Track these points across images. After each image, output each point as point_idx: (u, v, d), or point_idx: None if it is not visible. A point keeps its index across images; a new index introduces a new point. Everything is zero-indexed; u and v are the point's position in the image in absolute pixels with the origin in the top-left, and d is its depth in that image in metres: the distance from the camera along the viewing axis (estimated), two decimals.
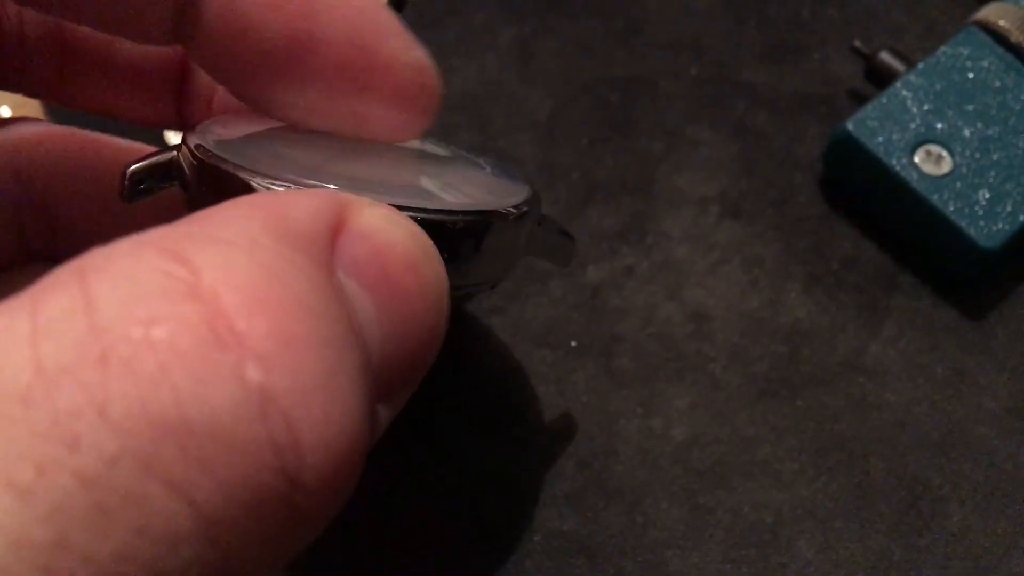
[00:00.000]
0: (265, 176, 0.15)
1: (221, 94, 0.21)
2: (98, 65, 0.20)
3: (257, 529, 0.11)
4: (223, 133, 0.18)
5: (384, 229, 0.14)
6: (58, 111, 0.29)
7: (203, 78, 0.21)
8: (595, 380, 0.26)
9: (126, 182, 0.17)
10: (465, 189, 0.19)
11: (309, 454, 0.11)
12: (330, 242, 0.13)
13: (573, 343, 0.26)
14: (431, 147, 0.21)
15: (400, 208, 0.15)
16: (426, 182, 0.18)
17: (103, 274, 0.11)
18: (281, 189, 0.15)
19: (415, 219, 0.15)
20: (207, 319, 0.11)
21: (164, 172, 0.17)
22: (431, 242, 0.14)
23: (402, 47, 0.17)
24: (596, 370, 0.26)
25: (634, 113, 0.30)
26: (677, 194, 0.29)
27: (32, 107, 0.29)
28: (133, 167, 0.17)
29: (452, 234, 0.16)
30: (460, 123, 0.30)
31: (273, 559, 0.11)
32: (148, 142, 0.21)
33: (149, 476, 0.10)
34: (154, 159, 0.17)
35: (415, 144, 0.20)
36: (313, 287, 0.12)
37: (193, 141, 0.17)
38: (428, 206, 0.16)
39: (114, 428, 0.10)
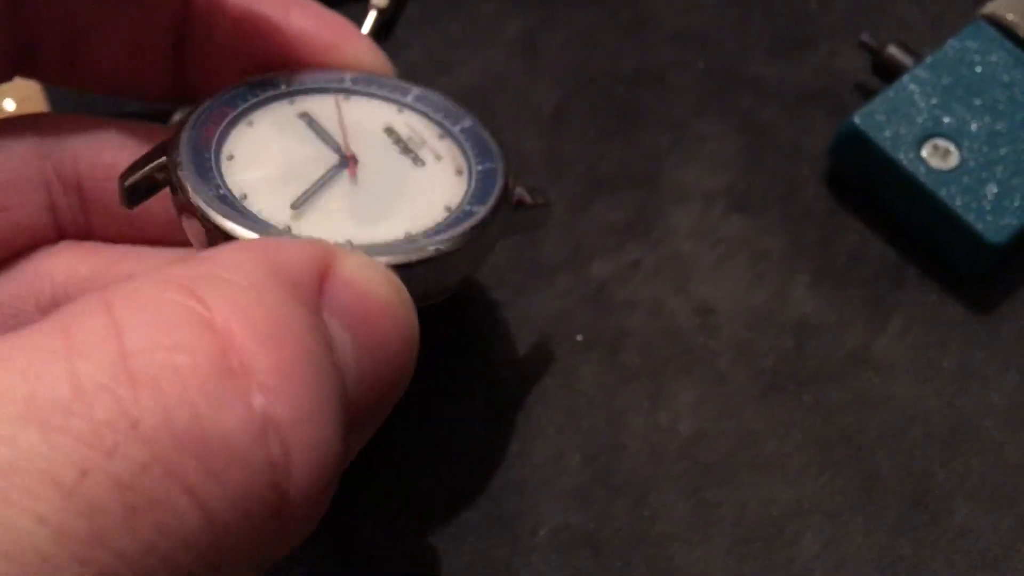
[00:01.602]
0: (233, 222, 0.18)
1: (219, 59, 0.23)
2: (102, 38, 0.22)
3: (251, 534, 0.12)
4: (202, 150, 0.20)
5: (365, 277, 0.15)
6: (61, 103, 0.29)
7: (199, 47, 0.23)
8: (601, 374, 0.26)
9: (124, 193, 0.19)
10: (429, 209, 0.20)
11: (296, 473, 0.13)
12: (319, 287, 0.15)
13: (579, 337, 0.26)
14: (411, 122, 0.23)
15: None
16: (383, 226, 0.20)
17: (128, 303, 0.13)
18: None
19: (390, 265, 0.17)
20: (221, 349, 0.12)
21: (156, 181, 0.19)
22: (404, 287, 0.16)
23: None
24: (602, 364, 0.26)
25: (640, 106, 0.30)
26: (683, 188, 0.29)
27: (37, 102, 0.29)
28: (129, 181, 0.19)
29: (427, 265, 0.19)
30: None
31: (258, 562, 0.13)
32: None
33: (172, 483, 0.11)
34: (146, 170, 0.19)
35: (399, 123, 0.22)
36: (308, 329, 0.14)
37: (173, 158, 0.19)
38: (396, 261, 0.18)
39: (144, 439, 0.11)
